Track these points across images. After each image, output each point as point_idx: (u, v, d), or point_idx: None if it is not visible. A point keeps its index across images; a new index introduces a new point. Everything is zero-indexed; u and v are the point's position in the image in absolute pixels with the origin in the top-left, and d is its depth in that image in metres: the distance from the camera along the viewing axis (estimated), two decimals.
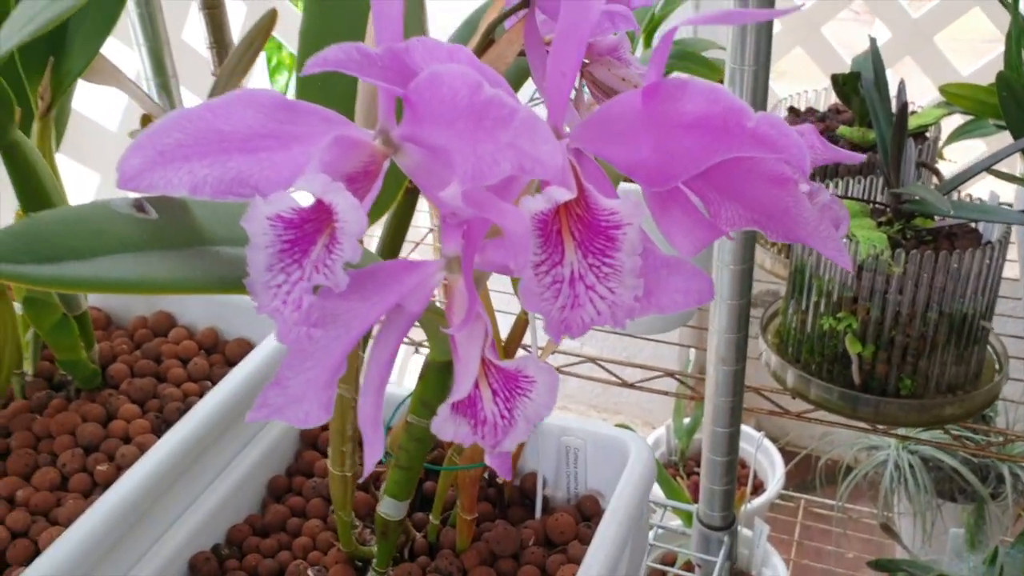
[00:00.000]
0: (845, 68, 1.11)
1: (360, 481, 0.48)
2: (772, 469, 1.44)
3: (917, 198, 0.82)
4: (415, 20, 0.51)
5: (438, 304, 0.39)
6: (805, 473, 1.59)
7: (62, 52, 0.60)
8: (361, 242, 0.49)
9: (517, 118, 0.28)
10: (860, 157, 0.37)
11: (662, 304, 0.33)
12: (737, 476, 1.56)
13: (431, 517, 0.61)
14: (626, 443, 0.64)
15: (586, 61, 0.50)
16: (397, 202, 0.50)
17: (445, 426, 0.32)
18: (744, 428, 1.50)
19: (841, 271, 0.83)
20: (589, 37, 0.34)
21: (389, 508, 0.51)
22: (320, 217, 0.30)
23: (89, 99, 0.97)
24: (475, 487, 0.58)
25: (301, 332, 0.29)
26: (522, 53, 0.47)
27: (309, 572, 0.59)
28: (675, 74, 0.42)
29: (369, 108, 0.42)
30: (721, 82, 0.70)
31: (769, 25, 0.68)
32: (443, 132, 0.30)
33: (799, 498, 1.57)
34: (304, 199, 0.30)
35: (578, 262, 0.31)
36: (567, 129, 0.36)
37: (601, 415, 1.83)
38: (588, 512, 0.65)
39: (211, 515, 0.63)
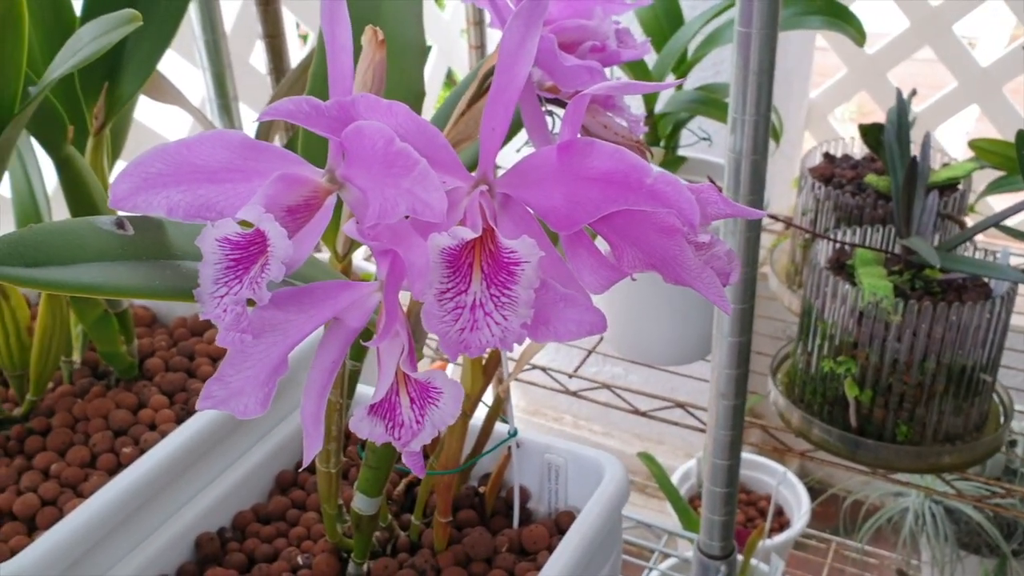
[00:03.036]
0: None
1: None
2: (798, 506, 1.45)
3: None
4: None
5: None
6: (838, 515, 1.59)
7: (117, 77, 0.68)
8: (339, 255, 0.55)
9: (417, 169, 0.33)
10: (761, 213, 0.41)
11: (559, 332, 0.38)
12: (761, 510, 1.56)
13: (413, 518, 0.66)
14: (602, 464, 0.68)
15: None
16: None
17: (361, 425, 0.38)
18: (768, 463, 1.52)
19: (844, 316, 0.86)
20: (515, 102, 0.39)
21: (361, 503, 0.56)
22: (263, 241, 0.36)
23: (158, 114, 1.06)
24: (449, 492, 0.63)
25: (236, 337, 0.35)
26: None
27: (298, 558, 0.65)
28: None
29: None
30: None
31: (770, 78, 0.71)
32: (364, 175, 0.35)
33: (831, 540, 1.57)
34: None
35: (481, 292, 0.36)
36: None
37: (644, 444, 1.86)
38: (564, 526, 0.69)
39: (221, 500, 0.69)
